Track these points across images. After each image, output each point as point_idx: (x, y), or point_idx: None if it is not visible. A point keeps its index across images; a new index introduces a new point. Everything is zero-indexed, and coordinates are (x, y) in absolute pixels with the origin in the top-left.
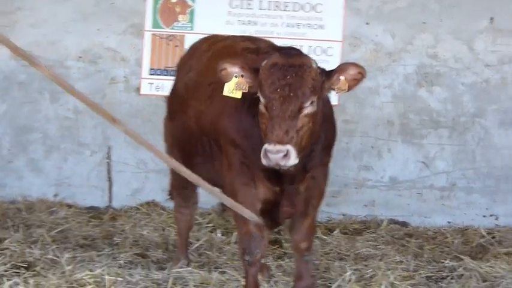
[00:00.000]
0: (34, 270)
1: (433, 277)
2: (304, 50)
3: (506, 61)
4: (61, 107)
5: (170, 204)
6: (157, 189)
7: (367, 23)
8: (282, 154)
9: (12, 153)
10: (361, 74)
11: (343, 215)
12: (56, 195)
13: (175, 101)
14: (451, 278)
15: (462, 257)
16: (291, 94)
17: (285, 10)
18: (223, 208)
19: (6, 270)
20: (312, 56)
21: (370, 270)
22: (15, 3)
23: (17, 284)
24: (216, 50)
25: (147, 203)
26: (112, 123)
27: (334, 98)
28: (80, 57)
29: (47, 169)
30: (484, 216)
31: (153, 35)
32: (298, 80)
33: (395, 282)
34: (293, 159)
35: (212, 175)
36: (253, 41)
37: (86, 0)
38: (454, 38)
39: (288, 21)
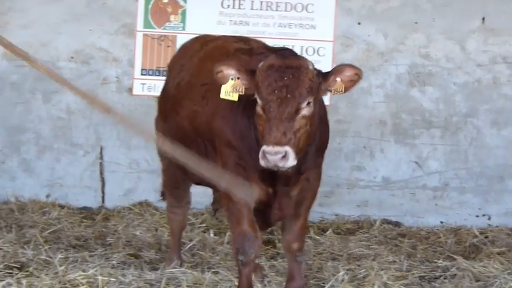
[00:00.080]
0: (27, 271)
1: (426, 277)
2: (296, 50)
3: (498, 61)
4: (54, 107)
5: (163, 205)
6: (150, 189)
7: (359, 23)
8: (280, 155)
9: (4, 153)
10: (358, 76)
11: (336, 215)
12: (48, 196)
13: (167, 101)
14: (444, 278)
15: (455, 256)
16: (288, 96)
17: (276, 10)
18: (217, 207)
19: None
20: (304, 56)
21: (363, 270)
22: (5, 4)
23: (9, 284)
24: (209, 50)
25: (140, 203)
26: (106, 113)
27: (326, 98)
28: (72, 57)
29: (40, 169)
30: (477, 216)
31: (145, 35)
32: (295, 81)
33: (388, 282)
34: (291, 161)
35: None
36: (246, 42)
37: (77, 0)
38: (446, 37)
39: (279, 21)
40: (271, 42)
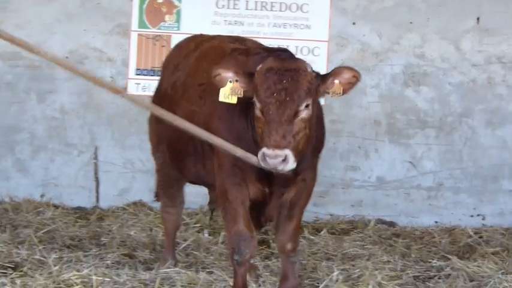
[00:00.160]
0: (21, 271)
1: (421, 277)
2: (291, 50)
3: (492, 61)
4: (48, 107)
5: (157, 205)
6: (145, 189)
7: (354, 23)
8: (280, 159)
9: None
10: (356, 78)
11: (331, 215)
12: (42, 196)
13: (163, 101)
14: (439, 278)
15: (449, 256)
16: (287, 98)
17: (271, 10)
18: (213, 207)
19: None
20: (299, 56)
21: (358, 270)
22: (0, 4)
23: (4, 284)
24: (205, 49)
25: (134, 203)
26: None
27: (321, 98)
28: (67, 57)
29: (34, 169)
30: (471, 216)
31: (140, 35)
32: (294, 84)
33: (382, 282)
34: (291, 164)
35: (203, 174)
36: (242, 42)
37: (72, 0)
38: (441, 37)
39: (274, 21)
40: (266, 42)
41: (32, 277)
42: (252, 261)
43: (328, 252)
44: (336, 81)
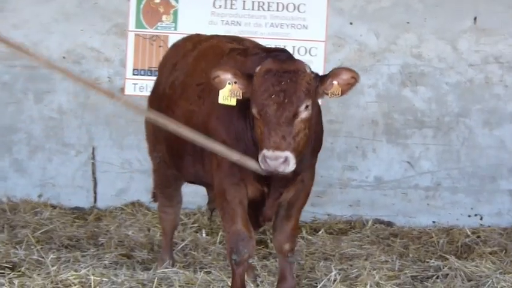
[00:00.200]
0: (19, 271)
1: (418, 277)
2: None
3: (490, 61)
4: (45, 107)
5: (155, 205)
6: (142, 189)
7: (351, 23)
8: (281, 160)
9: None
10: (355, 79)
11: (328, 215)
12: (40, 196)
13: (161, 101)
14: (436, 278)
15: (447, 256)
16: (286, 100)
17: (268, 10)
18: (213, 207)
19: None
20: (296, 56)
21: (356, 270)
22: None
23: (2, 284)
24: (203, 49)
25: (132, 203)
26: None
27: None
28: (64, 57)
29: (32, 169)
30: (469, 216)
31: (137, 35)
32: (293, 85)
33: (380, 281)
34: (292, 165)
35: (202, 174)
36: (240, 42)
37: (69, 0)
38: (438, 37)
39: (271, 21)
40: (263, 42)
41: (30, 277)
42: (250, 261)
43: (326, 252)
44: (335, 82)
